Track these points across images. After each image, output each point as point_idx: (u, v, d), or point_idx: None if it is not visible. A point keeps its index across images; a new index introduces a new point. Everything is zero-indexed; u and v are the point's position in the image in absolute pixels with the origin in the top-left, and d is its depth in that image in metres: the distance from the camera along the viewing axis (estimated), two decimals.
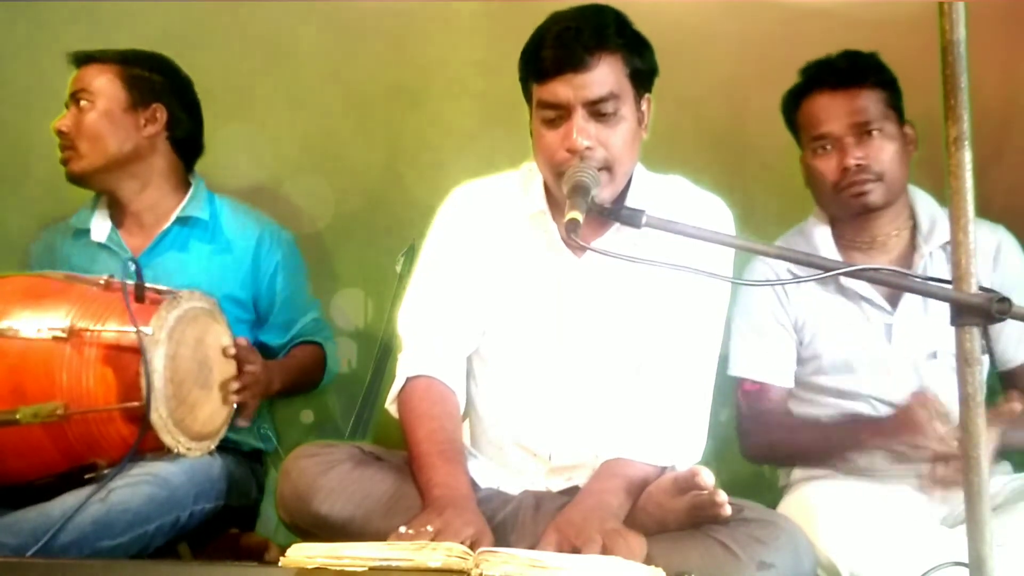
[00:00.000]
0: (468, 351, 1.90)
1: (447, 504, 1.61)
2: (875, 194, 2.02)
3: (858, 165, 2.00)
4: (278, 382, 2.17)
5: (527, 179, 1.89)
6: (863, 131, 2.01)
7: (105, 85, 2.22)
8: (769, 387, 2.12)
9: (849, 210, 2.06)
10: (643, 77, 1.78)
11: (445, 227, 1.92)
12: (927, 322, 2.02)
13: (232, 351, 2.03)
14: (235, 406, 2.04)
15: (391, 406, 1.85)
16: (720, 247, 1.69)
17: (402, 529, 1.53)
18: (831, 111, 2.03)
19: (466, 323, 1.88)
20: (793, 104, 2.12)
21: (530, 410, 1.87)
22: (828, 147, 2.04)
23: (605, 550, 1.52)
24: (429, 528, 1.51)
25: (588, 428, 1.84)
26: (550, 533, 1.60)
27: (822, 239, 2.11)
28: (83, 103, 2.20)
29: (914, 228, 2.09)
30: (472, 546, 1.49)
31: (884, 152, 2.01)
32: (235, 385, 2.03)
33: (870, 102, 2.01)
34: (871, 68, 2.04)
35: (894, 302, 2.06)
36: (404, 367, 1.84)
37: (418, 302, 1.90)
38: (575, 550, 1.53)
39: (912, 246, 2.08)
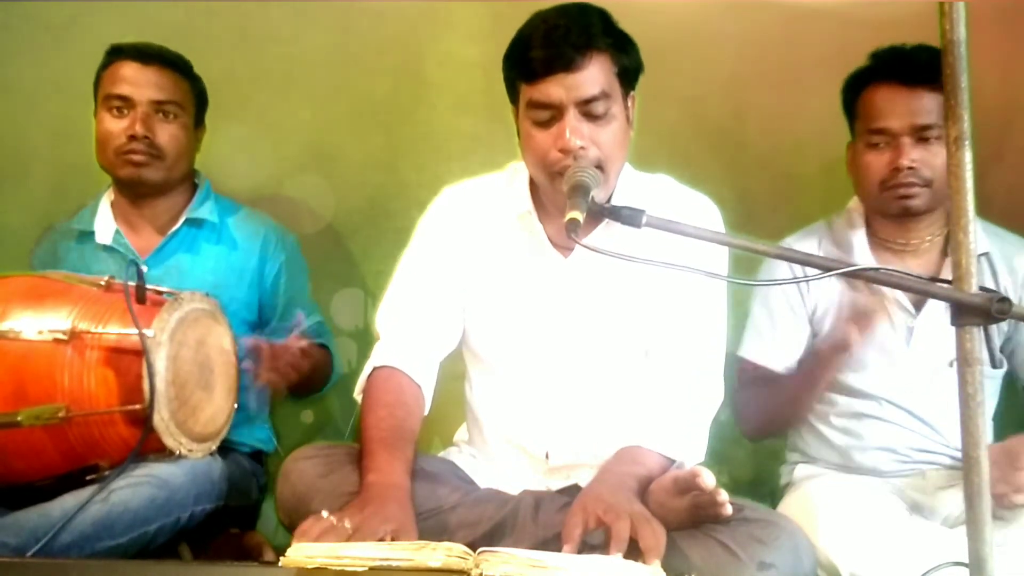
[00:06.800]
0: (444, 348, 1.90)
1: (374, 496, 1.59)
2: (920, 199, 1.98)
3: (910, 167, 1.95)
4: (307, 364, 2.10)
5: (513, 179, 1.89)
6: (923, 133, 1.95)
7: (186, 100, 2.25)
8: (769, 370, 2.10)
9: (889, 210, 2.02)
10: (630, 75, 1.78)
11: (431, 226, 1.92)
12: (949, 330, 1.99)
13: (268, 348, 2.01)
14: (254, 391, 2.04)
15: (358, 396, 1.84)
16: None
17: (324, 514, 1.52)
18: (895, 106, 1.97)
19: (443, 321, 1.88)
20: (854, 89, 2.05)
21: (523, 410, 1.87)
22: (884, 142, 1.98)
23: (632, 531, 1.49)
24: (347, 524, 1.49)
25: (583, 427, 1.84)
26: (576, 512, 1.57)
27: (856, 235, 2.08)
28: (170, 114, 2.21)
29: (948, 235, 2.05)
30: (393, 539, 1.49)
31: (939, 158, 1.94)
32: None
33: (936, 104, 1.91)
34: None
35: (919, 306, 2.03)
36: (372, 358, 1.85)
37: (396, 298, 1.90)
38: (601, 524, 1.51)
39: (944, 253, 2.04)
